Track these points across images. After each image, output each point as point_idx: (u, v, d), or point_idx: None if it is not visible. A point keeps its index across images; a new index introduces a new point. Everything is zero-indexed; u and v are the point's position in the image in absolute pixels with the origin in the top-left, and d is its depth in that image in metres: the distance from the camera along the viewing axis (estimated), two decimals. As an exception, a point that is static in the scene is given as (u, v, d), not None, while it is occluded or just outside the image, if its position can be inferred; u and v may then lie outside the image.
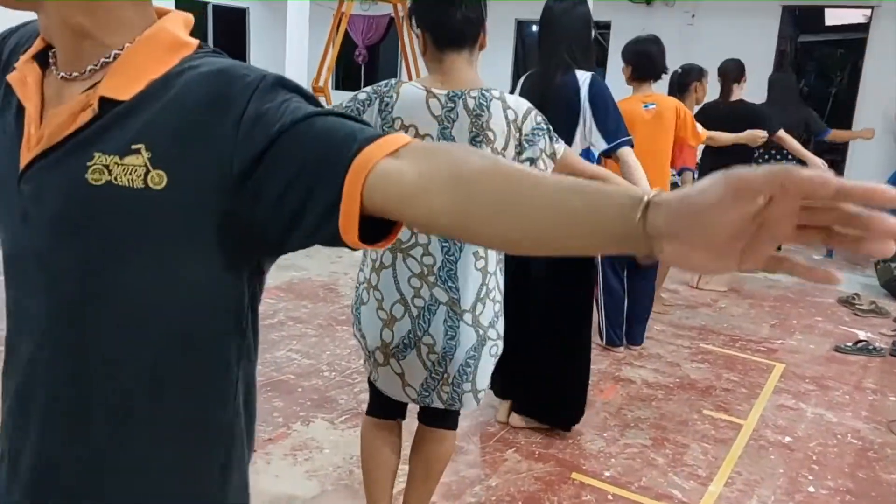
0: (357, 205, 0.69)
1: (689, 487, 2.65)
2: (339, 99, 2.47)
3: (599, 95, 2.70)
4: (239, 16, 11.39)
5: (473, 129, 1.77)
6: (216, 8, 10.99)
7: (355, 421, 2.93)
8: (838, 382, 3.77)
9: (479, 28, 1.80)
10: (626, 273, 3.88)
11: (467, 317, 1.84)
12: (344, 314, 4.24)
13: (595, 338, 3.61)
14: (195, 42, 0.82)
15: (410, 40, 9.70)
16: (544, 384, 2.90)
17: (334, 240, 0.72)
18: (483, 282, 1.85)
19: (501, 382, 2.93)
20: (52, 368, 0.81)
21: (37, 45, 0.84)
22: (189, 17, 0.85)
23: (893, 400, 3.60)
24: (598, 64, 9.87)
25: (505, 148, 1.79)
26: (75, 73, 0.80)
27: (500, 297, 1.91)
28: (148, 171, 0.74)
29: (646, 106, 3.63)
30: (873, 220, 0.50)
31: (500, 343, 1.94)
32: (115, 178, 0.75)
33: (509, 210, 0.65)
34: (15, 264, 0.84)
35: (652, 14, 9.35)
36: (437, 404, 1.93)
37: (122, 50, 0.78)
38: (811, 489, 2.71)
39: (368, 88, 1.85)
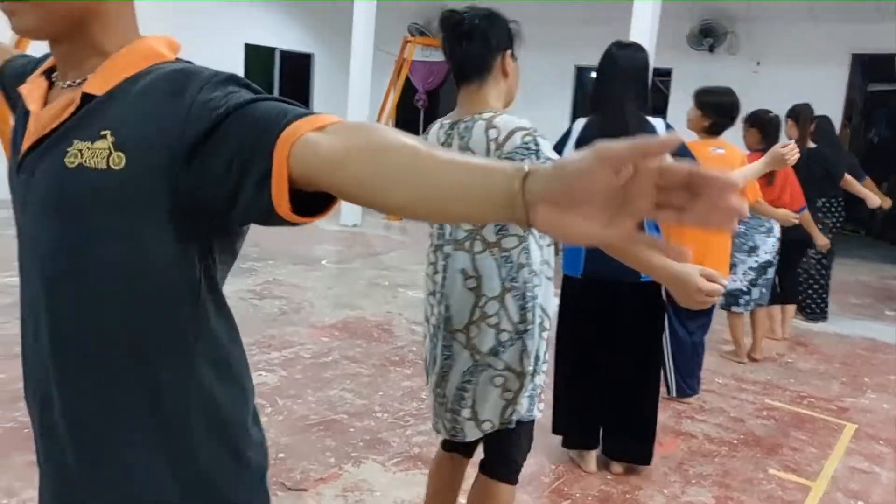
0: (284, 172, 0.75)
1: (755, 552, 2.51)
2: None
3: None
4: (304, 61, 11.76)
5: (459, 150, 1.80)
6: (283, 53, 11.38)
7: (406, 465, 2.89)
8: (916, 446, 3.56)
9: (487, 60, 1.81)
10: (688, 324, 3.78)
11: (460, 337, 1.82)
12: (398, 355, 4.23)
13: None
14: (172, 56, 0.94)
15: (470, 85, 9.84)
16: (623, 425, 2.95)
17: (270, 213, 0.78)
18: (476, 304, 1.80)
19: (581, 434, 3.00)
20: (48, 343, 0.92)
21: (46, 64, 0.99)
22: (175, 42, 0.97)
23: (978, 468, 3.37)
24: (659, 111, 9.83)
25: None
26: (71, 83, 0.92)
27: (510, 327, 1.80)
28: (110, 154, 0.84)
29: (714, 150, 3.58)
30: (722, 198, 0.58)
31: (511, 376, 1.82)
32: (86, 161, 0.85)
33: (409, 180, 0.72)
34: (20, 253, 0.97)
35: (714, 61, 9.27)
36: (444, 433, 1.94)
37: (107, 58, 0.90)
38: (889, 561, 2.54)
39: None
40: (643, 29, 6.46)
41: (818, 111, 5.22)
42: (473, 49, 1.81)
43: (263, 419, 3.27)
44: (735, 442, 3.42)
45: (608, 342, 2.85)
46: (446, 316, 1.83)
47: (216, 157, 0.80)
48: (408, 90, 10.62)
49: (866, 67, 9.69)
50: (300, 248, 6.79)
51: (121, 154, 0.84)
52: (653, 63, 6.56)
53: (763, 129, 4.38)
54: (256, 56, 11.04)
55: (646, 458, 2.98)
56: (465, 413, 1.85)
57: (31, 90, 0.96)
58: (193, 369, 0.92)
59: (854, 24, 8.52)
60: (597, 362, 2.87)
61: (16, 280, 0.98)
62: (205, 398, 0.94)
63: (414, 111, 12.07)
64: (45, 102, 0.94)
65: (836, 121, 7.59)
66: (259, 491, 1.01)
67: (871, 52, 8.96)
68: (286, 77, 11.55)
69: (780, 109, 4.93)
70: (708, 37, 9.09)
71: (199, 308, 0.92)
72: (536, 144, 1.73)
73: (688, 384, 3.80)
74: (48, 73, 0.98)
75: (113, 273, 0.87)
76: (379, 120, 9.23)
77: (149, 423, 0.91)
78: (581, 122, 2.86)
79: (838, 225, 5.50)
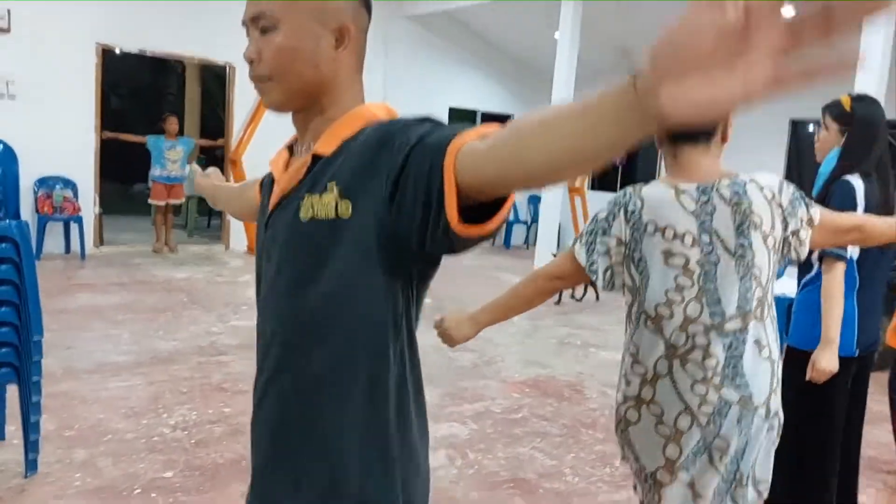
0: (452, 181, 0.81)
1: None
2: (595, 199, 2.46)
3: None
4: (504, 122, 12.14)
5: (737, 217, 1.72)
6: (484, 115, 11.85)
7: (597, 534, 2.78)
8: None
9: (716, 122, 1.75)
10: None
11: (761, 411, 1.74)
12: (589, 417, 4.12)
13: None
14: (384, 117, 1.04)
15: (671, 141, 9.57)
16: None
17: (449, 230, 0.83)
18: (773, 371, 1.77)
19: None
20: (280, 363, 1.06)
21: (288, 141, 1.15)
22: (392, 109, 1.08)
23: None
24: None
25: (773, 228, 1.75)
26: (303, 149, 1.08)
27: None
28: (337, 203, 0.95)
29: None
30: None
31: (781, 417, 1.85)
32: (317, 213, 0.97)
33: (542, 138, 0.73)
34: (261, 299, 1.11)
35: (958, 110, 8.22)
36: None
37: (332, 123, 1.04)
38: None
39: (608, 204, 1.85)
40: (871, 77, 5.92)
41: None
42: None
43: (453, 471, 3.35)
44: None
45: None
46: (744, 395, 1.73)
47: (407, 192, 0.88)
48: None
49: None
50: (494, 302, 6.91)
51: (347, 203, 0.95)
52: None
53: None
54: (459, 118, 11.60)
55: None
56: (753, 481, 1.83)
57: (276, 161, 1.13)
58: (389, 386, 1.02)
59: None
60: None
61: (242, 323, 1.12)
62: (395, 413, 1.03)
63: (612, 168, 11.94)
64: (287, 168, 1.10)
65: None
66: None
67: None
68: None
69: None
70: (950, 83, 8.10)
71: (400, 337, 1.02)
72: (798, 190, 1.81)
73: None
74: (290, 147, 1.14)
75: (334, 308, 0.98)
76: (576, 177, 9.24)
77: (345, 433, 1.02)
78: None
79: None
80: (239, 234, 9.18)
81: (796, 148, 9.76)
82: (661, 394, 1.75)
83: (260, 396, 1.12)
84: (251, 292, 6.89)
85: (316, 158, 1.03)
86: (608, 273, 1.80)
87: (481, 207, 0.85)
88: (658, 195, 1.77)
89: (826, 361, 2.32)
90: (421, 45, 10.67)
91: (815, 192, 2.58)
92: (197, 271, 7.73)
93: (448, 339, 1.89)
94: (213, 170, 1.79)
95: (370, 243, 0.94)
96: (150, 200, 8.76)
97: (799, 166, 9.57)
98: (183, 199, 9.01)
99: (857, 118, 2.55)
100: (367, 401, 1.01)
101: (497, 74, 11.76)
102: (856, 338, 2.51)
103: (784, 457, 2.64)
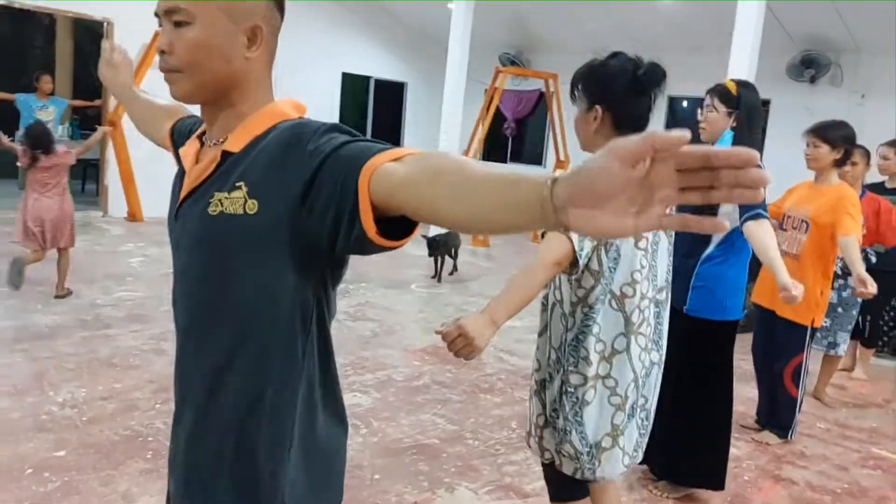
0: (367, 199, 0.87)
1: None
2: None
3: None
4: (397, 90, 12.09)
5: None
6: (377, 81, 11.74)
7: (498, 493, 2.92)
8: None
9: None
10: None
11: (662, 368, 2.04)
12: (487, 382, 4.27)
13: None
14: (297, 115, 1.08)
15: (560, 115, 9.86)
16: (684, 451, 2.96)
17: (364, 240, 0.89)
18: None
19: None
20: (190, 355, 1.12)
21: (200, 129, 1.17)
22: (301, 104, 1.12)
23: None
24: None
25: None
26: (216, 142, 1.09)
27: None
28: (245, 201, 0.98)
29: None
30: (743, 174, 0.61)
31: None
32: (226, 209, 1.00)
33: (459, 196, 0.80)
34: (174, 285, 1.15)
35: (815, 93, 8.97)
36: (639, 458, 2.03)
37: (243, 119, 1.07)
38: None
39: None
40: (743, 59, 6.34)
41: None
42: (654, 102, 1.87)
43: (358, 440, 3.39)
44: (839, 492, 3.28)
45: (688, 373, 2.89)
46: (662, 355, 2.03)
47: (320, 197, 0.92)
48: (496, 119, 10.74)
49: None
50: (392, 272, 6.95)
51: (254, 201, 0.98)
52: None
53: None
54: (352, 84, 11.44)
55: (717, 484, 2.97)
56: None
57: (187, 151, 1.14)
58: (298, 385, 1.06)
59: (971, 54, 8.09)
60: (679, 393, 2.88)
61: (127, 295, 1.12)
62: (303, 409, 1.07)
63: (502, 139, 12.18)
64: (197, 160, 1.12)
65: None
66: None
67: None
68: (379, 104, 11.90)
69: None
70: (809, 68, 8.81)
71: (309, 332, 1.06)
72: None
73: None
74: (201, 136, 1.16)
75: (246, 300, 1.02)
76: (469, 146, 9.37)
77: (255, 425, 1.06)
78: None
79: None
80: (119, 199, 8.66)
81: (674, 123, 10.33)
82: (617, 367, 1.90)
83: (179, 396, 1.16)
84: (136, 262, 6.61)
85: (225, 155, 1.06)
86: (587, 256, 1.84)
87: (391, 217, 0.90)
88: None
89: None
90: (315, 9, 10.39)
91: None
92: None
93: (474, 349, 1.66)
94: (119, 55, 1.60)
95: (278, 242, 0.97)
96: (18, 163, 8.12)
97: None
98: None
99: (744, 102, 2.79)
100: (276, 398, 1.05)
101: (391, 42, 11.65)
102: (742, 302, 2.82)
103: (686, 435, 2.89)
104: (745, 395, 4.12)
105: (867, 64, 8.73)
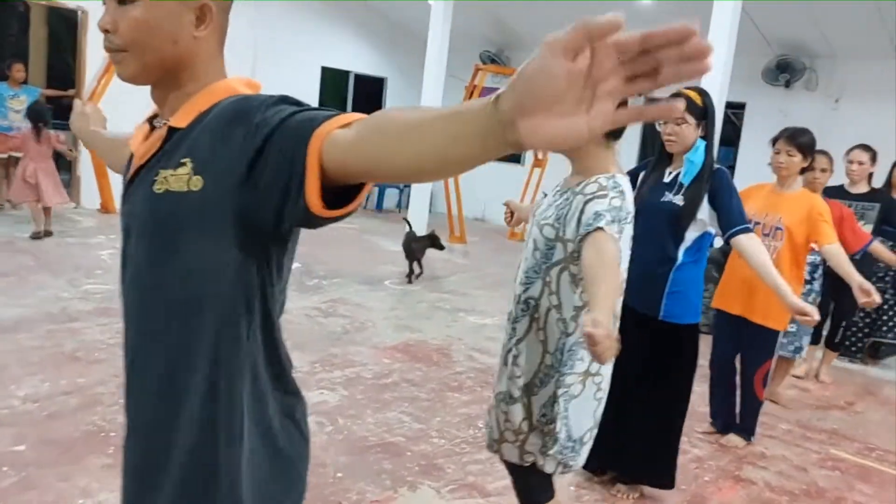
0: (315, 169, 0.84)
1: None
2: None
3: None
4: (377, 85, 12.06)
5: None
6: (357, 76, 11.69)
7: (461, 493, 2.93)
8: None
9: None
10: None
11: None
12: (456, 381, 4.28)
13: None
14: (250, 93, 1.03)
15: (539, 113, 9.89)
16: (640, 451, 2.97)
17: (308, 212, 0.86)
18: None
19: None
20: (135, 341, 1.09)
21: (148, 114, 1.13)
22: (255, 82, 1.08)
23: None
24: (730, 143, 9.67)
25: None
26: (164, 122, 1.06)
27: None
28: (190, 178, 0.96)
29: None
30: (687, 47, 0.58)
31: None
32: (171, 186, 0.97)
33: (407, 138, 0.77)
34: (122, 271, 1.12)
35: (790, 97, 9.07)
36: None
37: (190, 98, 1.03)
38: None
39: (610, 190, 1.95)
40: (718, 62, 6.39)
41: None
42: None
43: (323, 437, 3.38)
44: (797, 492, 3.34)
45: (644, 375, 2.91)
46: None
47: (266, 171, 0.89)
48: (476, 115, 10.74)
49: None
50: (365, 267, 6.94)
51: (199, 177, 0.95)
52: (726, 96, 6.50)
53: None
54: (332, 78, 11.38)
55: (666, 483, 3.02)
56: None
57: (136, 136, 1.11)
58: (244, 370, 1.04)
59: (941, 62, 8.22)
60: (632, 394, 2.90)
61: (95, 288, 1.11)
62: (250, 400, 1.05)
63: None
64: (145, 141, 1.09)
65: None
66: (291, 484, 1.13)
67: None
68: (359, 99, 11.86)
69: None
70: (784, 72, 8.90)
71: (252, 314, 1.02)
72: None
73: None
74: (150, 120, 1.12)
75: (190, 279, 1.00)
76: (439, 180, 9.36)
77: (202, 410, 1.03)
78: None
79: None
80: (91, 190, 8.56)
81: (651, 125, 10.39)
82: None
83: (126, 381, 1.12)
84: (105, 254, 6.54)
85: (171, 131, 1.03)
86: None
87: (339, 188, 0.88)
88: (627, 183, 1.99)
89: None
90: (295, 2, 10.32)
91: (690, 179, 2.86)
92: (45, 231, 7.19)
93: (614, 344, 1.61)
94: (91, 108, 1.65)
95: (222, 218, 0.95)
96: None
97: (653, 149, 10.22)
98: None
99: (709, 112, 2.84)
100: (218, 383, 1.01)
101: (371, 37, 11.60)
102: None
103: (648, 436, 2.93)
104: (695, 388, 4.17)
105: (842, 69, 8.84)
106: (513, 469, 2.14)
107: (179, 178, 0.97)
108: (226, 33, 1.09)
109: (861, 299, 3.11)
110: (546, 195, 2.13)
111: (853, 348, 5.57)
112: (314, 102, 11.54)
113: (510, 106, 0.65)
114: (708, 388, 3.87)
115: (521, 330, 2.03)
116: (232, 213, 0.94)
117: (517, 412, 2.04)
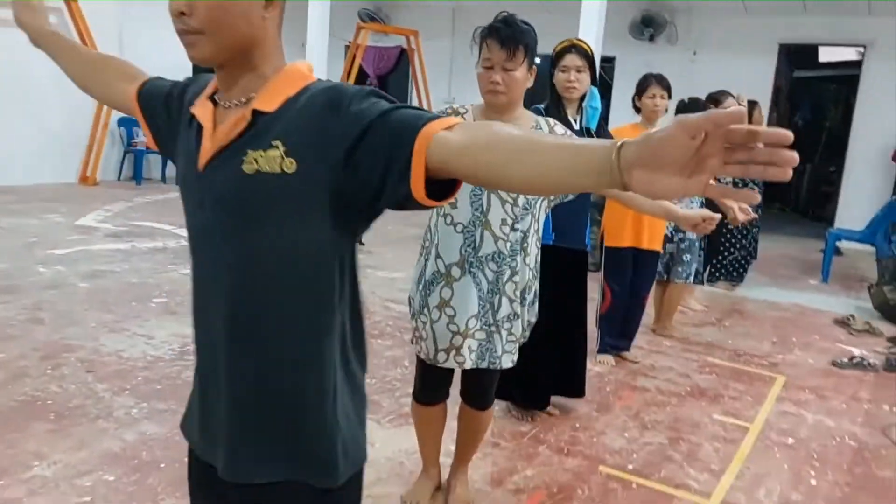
0: (422, 164, 0.94)
1: (704, 479, 2.94)
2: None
3: None
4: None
5: None
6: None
7: (399, 421, 3.22)
8: (836, 393, 4.08)
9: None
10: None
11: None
12: (377, 329, 4.54)
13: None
14: (313, 77, 1.12)
15: (423, 71, 10.09)
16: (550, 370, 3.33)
17: (408, 198, 0.96)
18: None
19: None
20: (223, 313, 1.11)
21: (208, 91, 1.15)
22: (310, 64, 1.15)
23: (887, 409, 3.91)
24: (603, 96, 10.28)
25: None
26: (233, 103, 1.10)
27: None
28: (283, 160, 1.01)
29: None
30: (776, 153, 0.73)
31: None
32: (262, 167, 1.02)
33: (525, 160, 0.89)
34: (194, 240, 1.16)
35: (655, 51, 9.76)
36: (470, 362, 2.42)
37: (267, 80, 1.08)
38: (813, 482, 3.00)
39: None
40: (591, 19, 6.86)
41: (749, 97, 5.76)
42: None
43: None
44: (683, 394, 3.88)
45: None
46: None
47: (366, 157, 0.97)
48: (359, 76, 10.80)
49: (792, 56, 10.35)
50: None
51: (292, 160, 1.01)
52: (600, 51, 6.97)
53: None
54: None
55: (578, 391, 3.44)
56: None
57: (202, 112, 1.12)
58: (334, 334, 1.11)
59: (782, 17, 9.14)
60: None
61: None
62: (341, 357, 1.13)
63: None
64: (215, 121, 1.11)
65: (765, 106, 8.19)
66: (354, 440, 1.19)
67: (796, 42, 9.61)
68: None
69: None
70: (649, 27, 9.55)
71: (344, 283, 1.11)
72: None
73: (610, 344, 4.28)
74: (211, 97, 1.14)
75: (282, 255, 1.05)
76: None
77: (302, 379, 1.11)
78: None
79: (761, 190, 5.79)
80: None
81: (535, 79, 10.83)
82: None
83: (210, 354, 1.16)
84: (5, 223, 6.18)
85: (256, 114, 1.05)
86: None
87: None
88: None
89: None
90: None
91: (595, 125, 3.23)
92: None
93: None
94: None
95: (318, 198, 1.01)
96: None
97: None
98: None
99: (594, 61, 3.21)
100: (317, 343, 1.09)
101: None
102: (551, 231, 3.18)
103: (559, 355, 3.30)
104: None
105: (698, 23, 9.61)
106: (481, 374, 2.38)
107: (271, 160, 1.01)
108: (284, 16, 1.12)
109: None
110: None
111: (734, 273, 6.33)
112: (190, 68, 11.20)
113: (633, 158, 0.80)
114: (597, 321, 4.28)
115: (519, 262, 2.25)
116: (327, 193, 1.01)
117: (518, 325, 2.34)
